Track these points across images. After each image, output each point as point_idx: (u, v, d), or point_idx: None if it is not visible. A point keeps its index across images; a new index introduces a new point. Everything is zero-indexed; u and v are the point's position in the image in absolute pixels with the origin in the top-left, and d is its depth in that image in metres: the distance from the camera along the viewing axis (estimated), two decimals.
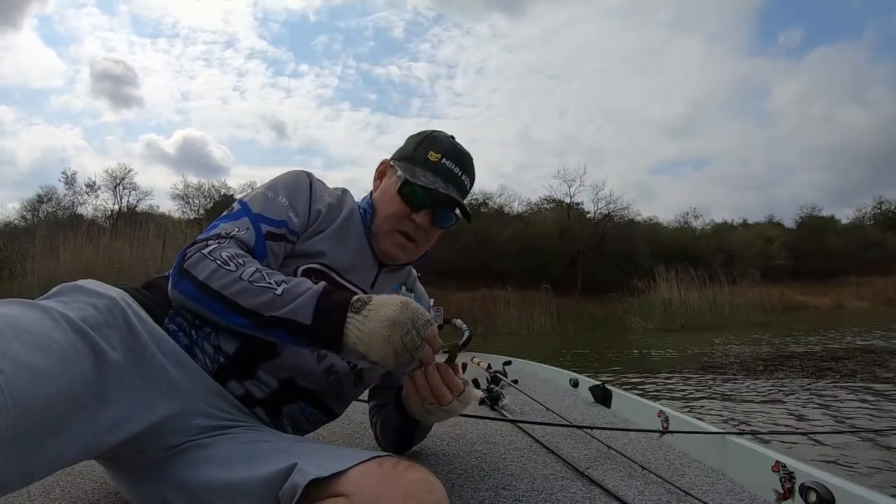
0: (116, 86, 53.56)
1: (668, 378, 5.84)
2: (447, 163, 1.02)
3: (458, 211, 1.04)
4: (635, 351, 9.79)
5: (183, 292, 0.81)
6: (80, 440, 0.64)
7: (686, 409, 3.98)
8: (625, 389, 2.08)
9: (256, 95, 52.16)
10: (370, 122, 55.40)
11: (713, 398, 4.50)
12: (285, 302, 0.77)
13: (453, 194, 1.00)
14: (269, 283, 0.79)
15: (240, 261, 0.82)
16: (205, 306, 0.80)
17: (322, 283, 0.81)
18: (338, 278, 0.97)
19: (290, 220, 0.94)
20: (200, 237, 0.88)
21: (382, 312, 0.76)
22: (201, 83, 50.05)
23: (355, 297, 0.78)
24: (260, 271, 0.81)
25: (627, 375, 6.24)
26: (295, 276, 0.91)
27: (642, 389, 5.08)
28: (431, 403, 0.90)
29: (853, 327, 12.19)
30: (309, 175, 1.02)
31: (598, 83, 59.58)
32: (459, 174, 1.03)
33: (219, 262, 0.80)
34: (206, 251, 0.82)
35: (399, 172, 1.02)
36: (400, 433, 1.12)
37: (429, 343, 0.80)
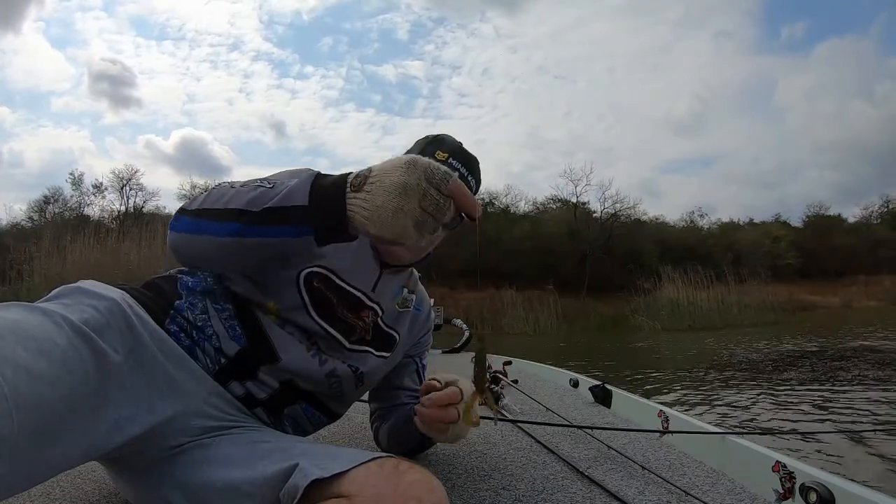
0: (115, 87, 53.20)
1: (673, 378, 5.82)
2: (454, 163, 1.02)
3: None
4: (642, 351, 9.76)
5: (179, 229, 0.79)
6: (83, 442, 0.65)
7: (691, 410, 3.97)
8: (629, 390, 2.08)
9: (262, 97, 52.24)
10: (375, 123, 55.24)
11: (719, 398, 4.48)
12: (278, 191, 0.71)
13: None
14: (260, 183, 0.74)
15: (230, 182, 0.79)
16: (198, 231, 0.76)
17: (317, 171, 0.74)
18: (339, 282, 0.97)
19: None
20: None
21: (388, 180, 0.65)
22: (207, 85, 50.28)
23: (352, 174, 0.69)
24: (252, 180, 0.76)
25: (634, 376, 6.22)
26: (297, 280, 0.92)
27: (648, 390, 5.06)
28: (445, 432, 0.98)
29: (862, 327, 12.08)
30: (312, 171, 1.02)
31: (605, 82, 59.19)
32: (466, 175, 1.03)
33: (210, 191, 0.78)
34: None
35: None
36: (419, 447, 1.17)
37: (455, 199, 0.67)
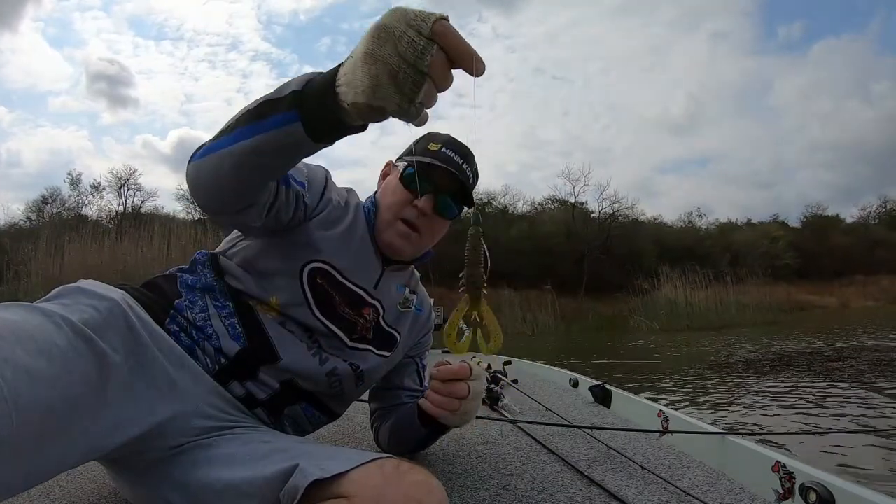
0: (112, 86, 53.32)
1: (672, 378, 5.82)
2: (447, 151, 1.02)
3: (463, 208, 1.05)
4: (641, 351, 9.76)
5: (197, 157, 0.74)
6: (83, 443, 0.65)
7: (689, 410, 3.97)
8: (627, 390, 2.08)
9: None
10: (373, 124, 55.36)
11: (717, 398, 4.48)
12: (276, 89, 0.66)
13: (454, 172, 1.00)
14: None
15: None
16: (213, 150, 0.72)
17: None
18: (340, 279, 0.97)
19: (305, 189, 0.92)
20: None
21: (368, 30, 0.55)
22: (206, 85, 50.30)
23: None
24: None
25: (631, 376, 6.22)
26: (301, 275, 0.92)
27: (646, 389, 5.07)
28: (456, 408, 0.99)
29: (860, 326, 12.10)
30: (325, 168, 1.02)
31: (602, 83, 59.47)
32: (460, 162, 1.02)
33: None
34: None
35: (401, 166, 1.03)
36: (420, 444, 1.16)
37: (439, 41, 0.52)
